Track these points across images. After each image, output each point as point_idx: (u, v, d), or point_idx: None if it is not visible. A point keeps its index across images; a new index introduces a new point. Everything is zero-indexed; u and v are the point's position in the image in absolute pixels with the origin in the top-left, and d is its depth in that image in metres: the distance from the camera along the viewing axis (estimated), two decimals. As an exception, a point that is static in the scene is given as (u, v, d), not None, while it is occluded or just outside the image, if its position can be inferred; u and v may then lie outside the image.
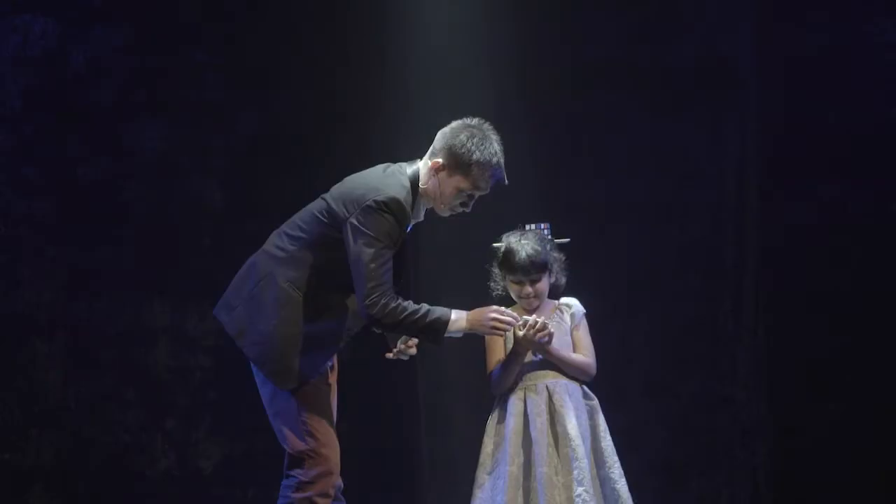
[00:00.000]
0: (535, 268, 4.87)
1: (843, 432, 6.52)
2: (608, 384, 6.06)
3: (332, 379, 4.65)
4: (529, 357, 4.89)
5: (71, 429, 6.50)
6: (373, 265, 4.35)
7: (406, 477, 6.64)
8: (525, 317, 4.78)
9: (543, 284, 4.91)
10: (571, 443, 4.76)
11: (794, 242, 6.63)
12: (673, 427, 6.66)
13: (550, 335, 4.79)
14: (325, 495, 4.47)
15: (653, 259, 6.67)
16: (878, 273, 6.54)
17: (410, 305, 4.42)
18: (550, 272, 4.91)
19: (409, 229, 4.53)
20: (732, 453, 6.66)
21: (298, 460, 4.47)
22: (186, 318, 6.61)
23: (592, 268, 6.40)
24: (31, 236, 6.50)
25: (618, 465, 4.83)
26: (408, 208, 4.43)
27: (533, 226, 5.07)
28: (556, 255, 4.95)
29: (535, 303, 4.90)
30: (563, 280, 4.98)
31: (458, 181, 4.49)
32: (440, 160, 4.49)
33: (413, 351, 4.71)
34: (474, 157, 4.49)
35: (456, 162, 4.48)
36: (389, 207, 4.39)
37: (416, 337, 4.56)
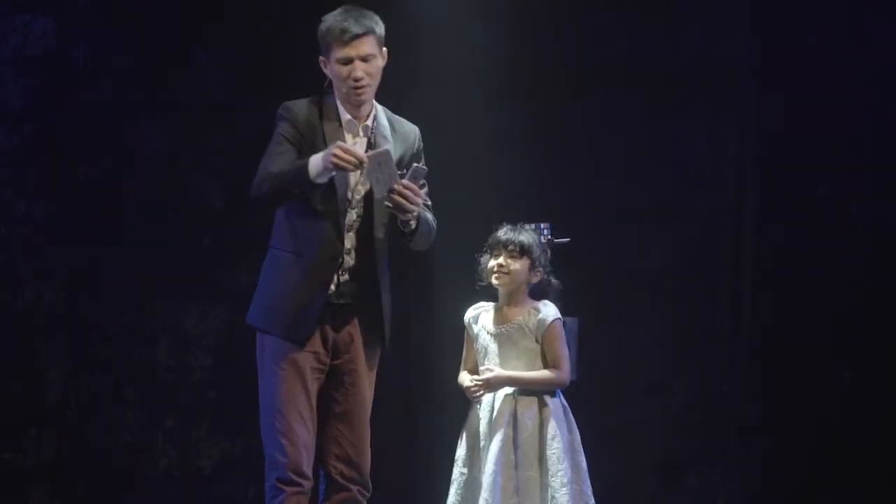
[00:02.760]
0: (512, 244, 4.96)
1: (841, 432, 6.51)
2: (606, 384, 6.08)
3: (355, 365, 4.61)
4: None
5: (71, 428, 6.49)
6: (262, 161, 4.52)
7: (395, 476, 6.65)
8: (474, 380, 4.95)
9: (517, 266, 4.96)
10: (520, 449, 4.87)
11: (793, 242, 6.63)
12: (670, 426, 6.66)
13: (489, 382, 4.92)
14: (285, 482, 4.50)
15: (651, 258, 6.67)
16: (878, 273, 6.53)
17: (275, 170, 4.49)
18: (532, 263, 4.96)
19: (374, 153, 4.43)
20: (730, 452, 6.66)
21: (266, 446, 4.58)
22: (186, 318, 6.60)
23: (591, 267, 6.43)
24: (31, 236, 6.49)
25: (562, 473, 4.87)
26: (296, 108, 4.54)
27: (532, 226, 5.10)
28: (545, 255, 5.00)
29: (505, 280, 4.97)
30: (549, 280, 5.02)
31: (331, 59, 4.52)
32: (321, 57, 4.58)
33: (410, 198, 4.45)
34: (322, 29, 4.55)
35: (322, 46, 4.56)
36: (280, 111, 4.56)
37: (293, 194, 4.46)
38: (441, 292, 6.62)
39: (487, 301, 5.12)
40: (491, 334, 5.01)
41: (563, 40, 6.67)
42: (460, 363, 5.13)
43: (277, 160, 4.49)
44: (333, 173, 4.39)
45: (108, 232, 6.54)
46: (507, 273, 4.97)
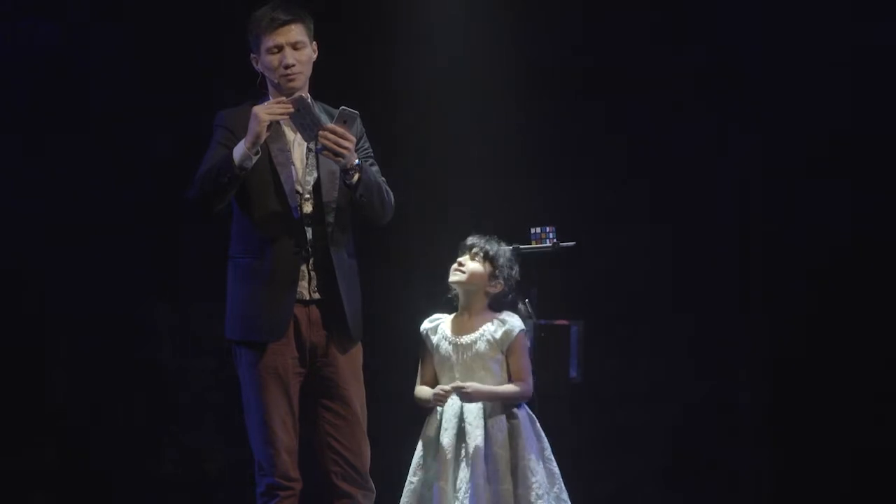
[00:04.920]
0: (477, 247, 4.99)
1: (848, 437, 6.50)
2: (613, 386, 6.07)
3: (330, 370, 4.59)
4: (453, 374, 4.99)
5: (75, 430, 6.49)
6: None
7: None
8: (439, 389, 4.91)
9: (475, 266, 4.96)
10: (471, 460, 4.85)
11: (800, 244, 6.61)
12: (676, 430, 6.65)
13: (468, 393, 4.87)
14: (275, 487, 4.56)
15: (657, 260, 6.66)
16: (886, 276, 6.51)
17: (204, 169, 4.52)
18: (493, 272, 4.95)
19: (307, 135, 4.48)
20: (736, 457, 6.64)
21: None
22: (191, 319, 6.60)
23: (597, 270, 6.42)
24: (35, 237, 6.49)
25: (536, 485, 4.86)
26: (231, 114, 4.61)
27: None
28: (511, 271, 4.99)
29: (460, 277, 4.98)
30: (513, 298, 5.01)
31: (261, 51, 4.59)
32: (251, 55, 4.65)
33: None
34: (250, 24, 4.62)
35: (251, 41, 4.63)
36: (215, 121, 4.68)
37: (223, 185, 4.46)
38: (442, 289, 6.63)
39: (445, 313, 5.09)
40: (453, 344, 4.99)
41: (569, 41, 6.67)
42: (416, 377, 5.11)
43: (208, 163, 4.53)
44: (259, 149, 4.42)
45: (112, 232, 6.53)
46: (464, 271, 4.97)
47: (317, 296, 4.56)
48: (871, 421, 6.47)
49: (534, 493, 4.84)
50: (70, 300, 6.51)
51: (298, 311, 4.54)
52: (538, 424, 4.99)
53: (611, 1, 6.66)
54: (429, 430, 4.97)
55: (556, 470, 4.95)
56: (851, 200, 6.58)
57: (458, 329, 4.99)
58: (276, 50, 4.56)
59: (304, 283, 4.54)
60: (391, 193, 4.67)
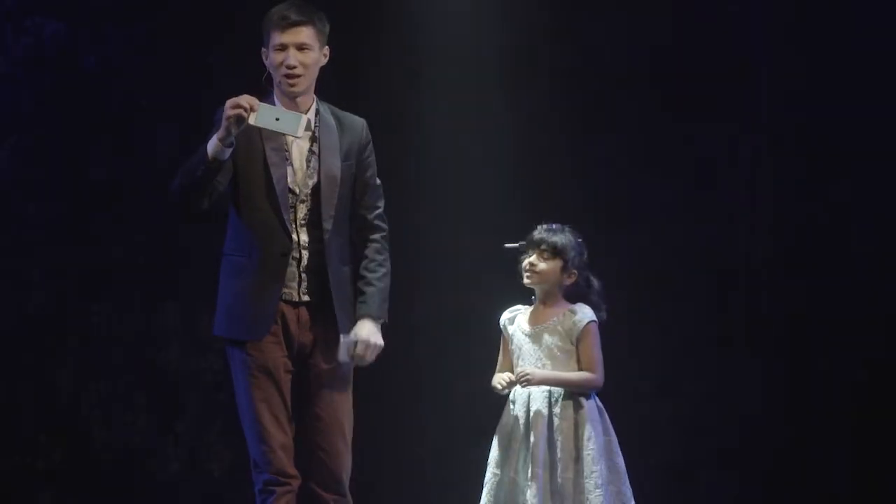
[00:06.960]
0: (545, 243, 4.96)
1: (856, 438, 6.48)
2: (619, 385, 6.05)
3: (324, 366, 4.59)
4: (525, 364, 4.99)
5: (82, 431, 6.49)
6: None
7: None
8: (502, 378, 4.94)
9: (546, 266, 4.95)
10: (557, 451, 4.86)
11: (807, 243, 6.60)
12: (683, 429, 6.64)
13: (528, 379, 4.88)
14: (272, 484, 4.51)
15: (665, 259, 6.65)
16: (892, 275, 6.50)
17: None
18: (565, 265, 4.95)
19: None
20: (743, 456, 6.63)
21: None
22: (197, 320, 6.60)
23: (605, 268, 6.39)
24: (43, 238, 6.50)
25: (596, 475, 4.86)
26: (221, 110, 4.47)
27: (556, 226, 5.08)
28: (581, 258, 4.99)
29: (534, 280, 4.97)
30: (588, 280, 5.01)
31: (269, 46, 4.58)
32: (263, 49, 4.62)
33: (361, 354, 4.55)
34: (264, 20, 4.60)
35: (263, 36, 4.61)
36: (216, 116, 4.53)
37: (198, 177, 4.45)
38: (445, 289, 6.63)
39: (524, 304, 5.12)
40: (526, 334, 5.01)
41: (578, 38, 6.68)
42: (495, 366, 5.14)
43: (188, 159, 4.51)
44: (232, 140, 4.37)
45: (119, 233, 6.54)
46: (537, 273, 4.97)
47: (307, 297, 4.55)
48: (883, 415, 6.46)
49: (593, 481, 4.84)
50: (77, 299, 6.52)
51: (288, 311, 4.54)
52: (607, 417, 5.01)
53: (616, 2, 6.67)
54: (503, 421, 5.01)
55: (622, 466, 4.97)
56: (863, 199, 6.58)
57: (533, 320, 5.02)
58: (280, 48, 4.55)
59: (293, 285, 4.53)
60: (388, 248, 4.67)
